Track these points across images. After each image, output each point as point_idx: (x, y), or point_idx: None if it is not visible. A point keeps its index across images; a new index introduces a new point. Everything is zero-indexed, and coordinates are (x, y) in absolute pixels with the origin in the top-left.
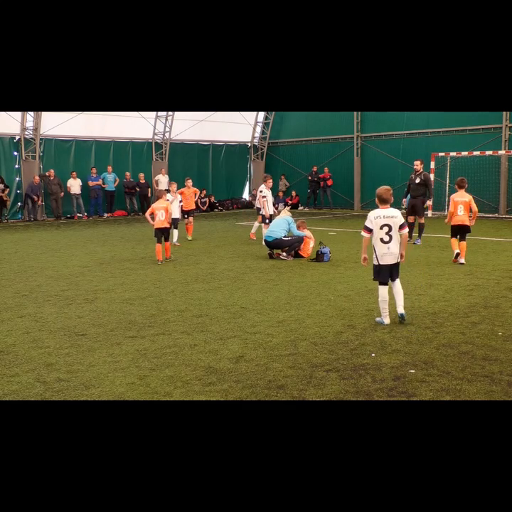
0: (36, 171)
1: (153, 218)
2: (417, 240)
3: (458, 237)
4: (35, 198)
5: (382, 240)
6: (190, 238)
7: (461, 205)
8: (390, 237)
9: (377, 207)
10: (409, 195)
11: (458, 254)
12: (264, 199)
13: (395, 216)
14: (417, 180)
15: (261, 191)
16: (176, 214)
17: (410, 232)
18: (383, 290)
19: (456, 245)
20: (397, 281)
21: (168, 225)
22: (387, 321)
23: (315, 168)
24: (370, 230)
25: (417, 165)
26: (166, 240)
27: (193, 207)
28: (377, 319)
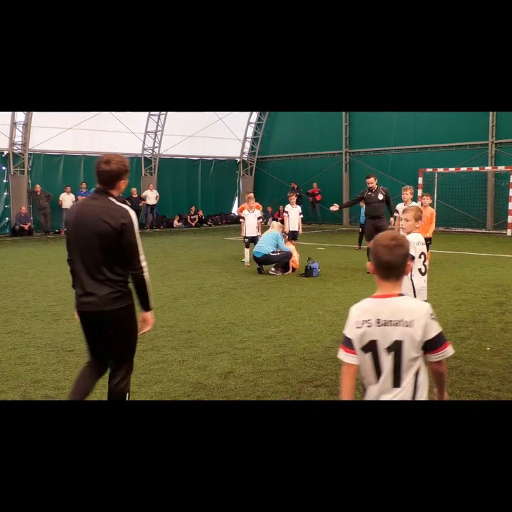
0: (25, 186)
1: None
2: None
3: None
4: (25, 226)
5: (420, 270)
6: None
7: None
8: (425, 267)
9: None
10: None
11: None
12: (286, 215)
13: (423, 242)
14: (380, 197)
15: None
16: (253, 232)
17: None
18: None
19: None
20: None
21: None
22: None
23: (293, 184)
24: (413, 259)
25: (372, 182)
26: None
27: None
28: None
